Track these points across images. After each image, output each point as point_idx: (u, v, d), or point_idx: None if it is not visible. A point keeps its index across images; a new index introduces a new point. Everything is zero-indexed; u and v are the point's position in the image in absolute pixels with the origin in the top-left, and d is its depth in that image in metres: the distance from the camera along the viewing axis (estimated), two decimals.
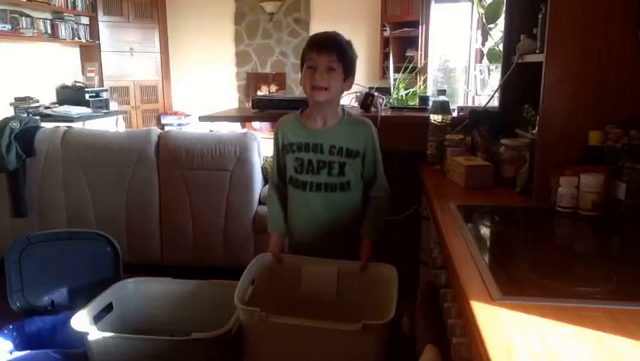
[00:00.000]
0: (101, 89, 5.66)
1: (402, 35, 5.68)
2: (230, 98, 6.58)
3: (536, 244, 1.23)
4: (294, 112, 1.71)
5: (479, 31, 4.20)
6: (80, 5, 5.61)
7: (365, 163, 1.64)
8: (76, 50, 5.90)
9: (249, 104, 5.93)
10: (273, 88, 6.50)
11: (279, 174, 1.75)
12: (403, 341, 1.82)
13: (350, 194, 1.64)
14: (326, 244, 1.65)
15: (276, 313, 1.41)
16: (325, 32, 1.65)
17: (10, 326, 1.85)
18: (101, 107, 5.40)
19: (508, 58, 1.82)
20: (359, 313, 1.55)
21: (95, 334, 1.53)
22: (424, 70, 5.11)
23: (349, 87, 1.65)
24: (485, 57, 3.69)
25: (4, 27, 4.52)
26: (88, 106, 5.21)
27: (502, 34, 2.14)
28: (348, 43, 1.62)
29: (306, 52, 1.63)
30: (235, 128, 4.98)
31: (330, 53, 1.57)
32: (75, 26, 5.60)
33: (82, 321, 1.58)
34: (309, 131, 1.63)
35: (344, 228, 1.65)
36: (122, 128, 5.58)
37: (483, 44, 3.90)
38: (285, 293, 1.64)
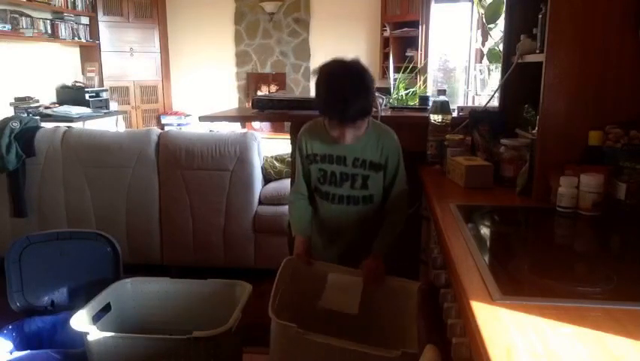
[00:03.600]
0: (101, 89, 5.65)
1: (402, 35, 5.68)
2: (230, 98, 6.57)
3: (536, 244, 1.23)
4: (319, 120, 1.60)
5: (479, 31, 4.20)
6: (80, 5, 5.60)
7: (386, 173, 1.61)
8: (76, 50, 5.90)
9: (248, 104, 5.93)
10: (273, 88, 6.50)
11: (304, 181, 1.68)
12: None
13: (373, 207, 1.63)
14: (348, 254, 1.64)
15: (295, 320, 1.37)
16: (340, 89, 1.44)
17: (10, 326, 1.85)
18: (101, 107, 5.40)
19: (508, 58, 1.82)
20: (379, 330, 1.53)
21: (94, 334, 1.53)
22: (424, 70, 5.11)
23: (375, 108, 1.62)
24: (485, 57, 3.69)
25: (4, 27, 4.51)
26: (88, 106, 5.21)
27: (502, 34, 2.14)
28: (367, 88, 1.46)
29: (323, 110, 1.49)
30: (235, 128, 4.99)
31: (354, 121, 1.47)
32: (75, 26, 5.59)
33: (81, 321, 1.58)
34: (333, 143, 1.56)
35: (366, 239, 1.61)
36: (122, 128, 5.58)
37: (483, 44, 3.90)
38: (304, 300, 1.60)
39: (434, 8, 5.18)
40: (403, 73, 4.87)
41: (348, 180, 1.60)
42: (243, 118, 3.01)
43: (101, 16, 5.91)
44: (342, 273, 1.60)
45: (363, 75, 1.47)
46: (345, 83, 1.44)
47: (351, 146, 1.55)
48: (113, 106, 5.69)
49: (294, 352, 1.37)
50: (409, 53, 5.53)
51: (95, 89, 5.58)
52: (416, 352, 1.24)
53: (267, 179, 2.87)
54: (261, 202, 2.77)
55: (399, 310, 1.53)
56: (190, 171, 2.74)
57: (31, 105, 4.75)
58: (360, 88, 1.45)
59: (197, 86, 6.66)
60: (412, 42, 5.54)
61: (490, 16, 3.31)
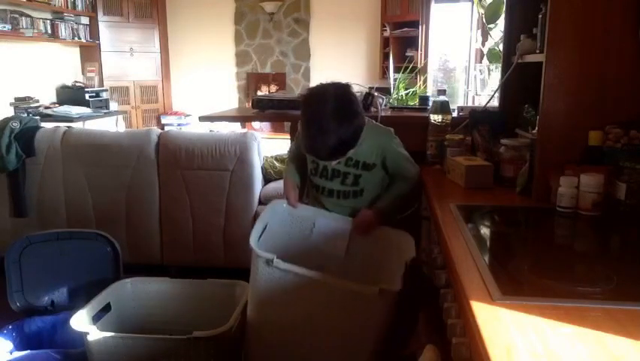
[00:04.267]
0: (101, 89, 5.65)
1: (402, 35, 5.68)
2: (230, 98, 6.57)
3: (536, 244, 1.23)
4: None
5: (479, 31, 4.20)
6: (80, 5, 5.60)
7: (388, 168, 1.66)
8: (76, 50, 5.90)
9: (249, 104, 5.93)
10: (273, 88, 6.49)
11: (297, 163, 1.77)
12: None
13: (363, 198, 1.66)
14: None
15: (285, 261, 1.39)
16: (318, 133, 1.41)
17: (10, 326, 1.85)
18: (101, 107, 5.40)
19: (508, 58, 1.82)
20: (367, 276, 1.54)
21: (94, 334, 1.53)
22: (424, 70, 5.11)
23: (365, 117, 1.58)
24: (485, 57, 3.69)
25: (4, 27, 4.51)
26: (88, 106, 5.20)
27: (502, 34, 2.14)
28: (348, 117, 1.42)
29: (304, 141, 1.49)
30: (235, 128, 4.99)
31: (334, 159, 1.54)
32: (75, 26, 5.59)
33: (81, 321, 1.58)
34: None
35: None
36: (122, 128, 5.57)
37: (483, 44, 3.90)
38: (293, 242, 1.63)
39: (434, 8, 5.18)
40: (403, 73, 4.87)
41: (339, 177, 1.63)
42: (243, 118, 3.01)
43: (101, 16, 5.91)
44: (332, 218, 1.63)
45: (343, 104, 1.42)
46: (322, 117, 1.40)
47: None
48: (113, 106, 5.69)
49: (271, 285, 1.36)
50: (409, 53, 5.52)
51: (95, 89, 5.58)
52: (394, 290, 1.28)
53: (267, 179, 2.87)
54: (261, 202, 2.77)
55: (388, 257, 1.54)
56: (190, 171, 2.74)
57: (31, 105, 4.75)
58: (340, 118, 1.40)
59: (197, 86, 6.66)
60: (412, 42, 5.54)
61: (490, 16, 3.31)
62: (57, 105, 5.09)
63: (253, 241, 1.41)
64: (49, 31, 5.18)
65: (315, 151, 1.47)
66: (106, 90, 5.70)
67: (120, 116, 5.64)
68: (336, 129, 1.40)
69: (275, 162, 2.88)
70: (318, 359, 1.40)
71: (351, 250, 1.61)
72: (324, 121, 1.40)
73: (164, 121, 6.47)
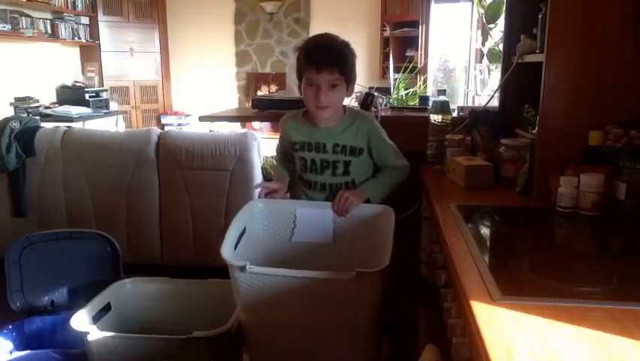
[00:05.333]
0: (101, 89, 5.66)
1: (402, 35, 5.68)
2: (230, 98, 6.58)
3: (536, 244, 1.23)
4: (297, 111, 1.70)
5: (479, 31, 4.20)
6: (79, 5, 5.61)
7: (374, 157, 1.64)
8: (76, 50, 5.90)
9: (248, 104, 5.93)
10: (273, 88, 6.50)
11: (284, 164, 1.79)
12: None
13: None
14: None
15: (268, 263, 1.38)
16: (320, 41, 1.54)
17: (10, 326, 1.85)
18: (101, 107, 5.40)
19: (508, 58, 1.82)
20: (358, 258, 1.52)
21: (94, 333, 1.53)
22: (424, 70, 5.11)
23: (351, 93, 1.63)
24: (485, 57, 3.69)
25: (4, 27, 4.51)
26: (88, 106, 5.21)
27: (502, 34, 2.14)
28: (346, 47, 1.53)
29: (302, 66, 1.52)
30: (235, 128, 4.98)
31: (331, 70, 1.48)
32: (75, 26, 5.59)
33: (81, 321, 1.58)
34: (312, 131, 1.62)
35: None
36: (122, 128, 5.58)
37: (483, 44, 3.91)
38: (277, 241, 1.61)
39: (434, 8, 5.18)
40: (403, 73, 4.87)
41: (329, 168, 1.62)
42: (243, 118, 3.01)
43: (101, 16, 5.91)
44: (310, 206, 1.60)
45: (345, 41, 1.56)
46: (325, 35, 1.55)
47: (328, 132, 1.59)
48: (113, 106, 5.70)
49: (256, 290, 1.33)
50: (409, 53, 5.53)
51: (95, 89, 5.58)
52: (373, 271, 1.24)
53: (267, 179, 2.86)
54: None
55: (375, 233, 1.52)
56: (190, 171, 2.74)
57: (31, 105, 4.75)
58: (339, 46, 1.53)
59: (197, 86, 6.66)
60: (412, 42, 5.55)
61: (490, 16, 3.31)
62: (57, 105, 5.10)
63: (226, 249, 1.37)
64: (49, 31, 5.19)
65: (317, 52, 1.52)
66: (106, 90, 5.71)
67: (120, 116, 5.65)
68: (340, 41, 1.54)
69: (275, 162, 2.88)
70: (318, 346, 1.39)
71: (338, 234, 1.58)
72: (329, 35, 1.55)
73: (164, 121, 6.47)
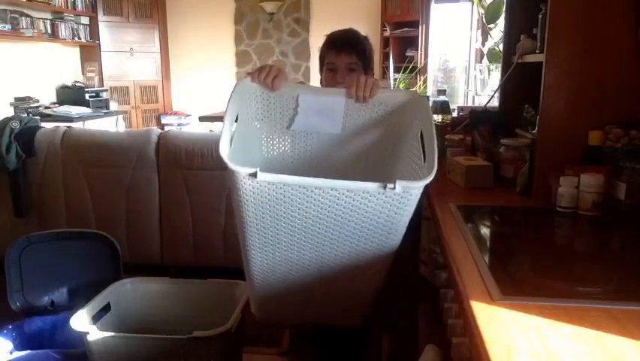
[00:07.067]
0: (101, 89, 5.66)
1: (402, 35, 5.68)
2: None
3: (536, 244, 1.23)
4: None
5: (479, 31, 4.20)
6: (80, 5, 5.60)
7: None
8: (76, 50, 5.90)
9: None
10: None
11: None
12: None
13: None
14: None
15: (267, 158, 1.20)
16: (341, 31, 1.64)
17: (10, 326, 1.85)
18: (101, 107, 5.40)
19: (508, 58, 1.82)
20: (372, 157, 1.29)
21: (94, 333, 1.53)
22: (424, 70, 5.11)
23: None
24: (485, 57, 3.69)
25: (4, 27, 4.51)
26: (88, 106, 5.21)
27: (502, 34, 2.14)
28: (366, 39, 1.63)
29: (324, 53, 1.62)
30: None
31: (349, 53, 1.56)
32: (75, 26, 5.59)
33: (81, 321, 1.58)
34: None
35: None
36: (122, 128, 5.58)
37: (483, 44, 3.91)
38: (273, 130, 1.34)
39: (434, 8, 5.18)
40: (403, 73, 4.87)
41: None
42: None
43: (101, 16, 5.91)
44: (317, 91, 1.33)
45: (365, 35, 1.65)
46: (347, 28, 1.65)
47: None
48: (113, 106, 5.69)
49: (261, 203, 1.04)
50: (409, 53, 5.53)
51: (95, 89, 5.58)
52: (418, 185, 1.00)
53: None
54: None
55: (398, 124, 1.25)
56: (190, 171, 2.74)
57: (31, 105, 4.75)
58: (360, 35, 1.63)
59: (197, 86, 6.66)
60: (412, 42, 5.55)
61: (490, 16, 3.31)
62: (57, 105, 5.10)
63: (224, 148, 1.05)
64: (49, 31, 5.18)
65: (337, 37, 1.61)
66: (106, 90, 5.70)
67: (120, 116, 5.65)
68: (360, 33, 1.64)
69: None
70: (331, 276, 1.17)
71: (348, 126, 1.31)
72: (350, 28, 1.66)
73: (164, 121, 6.47)
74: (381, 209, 1.02)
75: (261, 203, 1.04)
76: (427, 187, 1.03)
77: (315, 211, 1.03)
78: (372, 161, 1.34)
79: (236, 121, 1.21)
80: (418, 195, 1.03)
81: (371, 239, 1.09)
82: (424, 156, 1.11)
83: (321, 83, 1.68)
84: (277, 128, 1.35)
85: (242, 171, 0.99)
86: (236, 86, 1.26)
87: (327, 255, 1.12)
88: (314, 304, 1.31)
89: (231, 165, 1.00)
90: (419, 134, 1.16)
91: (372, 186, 0.98)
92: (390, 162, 1.30)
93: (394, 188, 0.98)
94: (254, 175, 0.98)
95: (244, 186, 1.01)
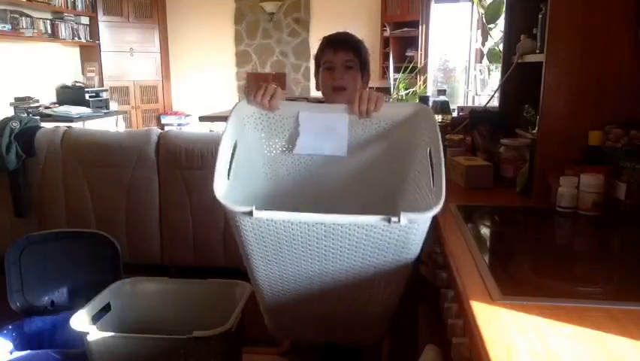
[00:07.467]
0: (101, 89, 5.65)
1: (402, 35, 5.68)
2: (230, 98, 6.58)
3: (536, 244, 1.23)
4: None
5: (479, 31, 4.20)
6: (80, 5, 5.60)
7: None
8: (76, 50, 5.90)
9: None
10: None
11: None
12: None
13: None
14: None
15: (270, 190, 1.13)
16: (337, 32, 1.68)
17: (10, 326, 1.85)
18: (101, 107, 5.40)
19: (508, 58, 1.82)
20: (382, 180, 1.24)
21: (94, 334, 1.53)
22: (424, 70, 5.11)
23: (366, 86, 1.68)
24: (485, 57, 3.69)
25: (4, 27, 4.51)
26: (88, 106, 5.21)
27: (502, 34, 2.14)
28: (361, 41, 1.67)
29: (320, 53, 1.65)
30: None
31: (347, 51, 1.59)
32: (75, 26, 5.59)
33: (81, 321, 1.58)
34: None
35: None
36: (122, 128, 5.58)
37: (483, 44, 3.91)
38: (275, 156, 1.31)
39: (434, 8, 5.18)
40: (403, 73, 4.87)
41: None
42: None
43: (101, 16, 5.91)
44: (318, 110, 1.26)
45: (360, 39, 1.68)
46: (340, 32, 1.68)
47: None
48: (113, 106, 5.69)
49: (262, 238, 1.01)
50: (409, 53, 5.53)
51: (95, 89, 5.58)
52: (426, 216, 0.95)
53: None
54: None
55: (405, 140, 1.20)
56: (190, 171, 2.74)
57: (31, 105, 4.75)
58: (356, 37, 1.66)
59: (197, 86, 6.66)
60: (412, 42, 5.55)
61: (490, 16, 3.31)
62: (57, 105, 5.10)
63: (220, 184, 1.05)
64: (49, 31, 5.18)
65: (334, 37, 1.64)
66: (106, 90, 5.70)
67: (120, 116, 5.65)
68: (356, 37, 1.67)
69: None
70: (343, 306, 1.15)
71: (354, 146, 1.25)
72: (345, 32, 1.69)
73: (164, 121, 6.47)
74: (389, 239, 0.98)
75: (262, 238, 1.01)
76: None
77: (318, 243, 0.99)
78: (378, 178, 1.30)
79: (234, 149, 1.17)
80: (427, 224, 1.00)
81: (381, 266, 1.05)
82: (432, 175, 1.07)
83: (317, 86, 1.70)
84: (280, 149, 1.31)
85: (237, 210, 0.96)
86: (233, 108, 1.23)
87: (337, 282, 1.09)
88: (328, 326, 1.29)
89: (226, 205, 0.97)
90: (427, 152, 1.13)
91: (374, 219, 0.94)
92: (397, 180, 1.26)
93: (399, 221, 0.93)
94: (249, 214, 0.95)
95: (242, 223, 0.99)
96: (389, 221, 0.94)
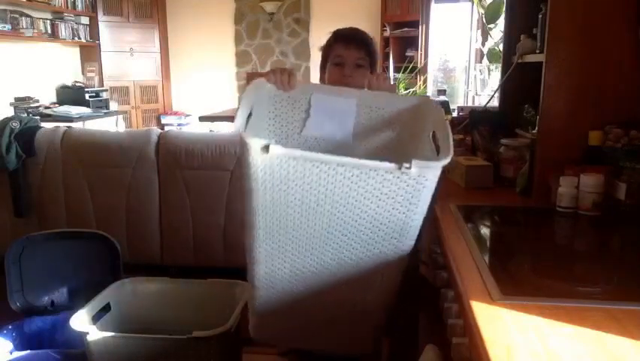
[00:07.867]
0: (101, 89, 5.65)
1: (402, 35, 5.68)
2: (230, 98, 6.57)
3: (536, 244, 1.23)
4: None
5: (479, 31, 4.20)
6: (79, 5, 5.60)
7: None
8: (76, 50, 5.90)
9: None
10: None
11: None
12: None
13: None
14: None
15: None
16: (349, 27, 1.59)
17: (10, 326, 1.85)
18: (101, 107, 5.40)
19: (508, 58, 1.82)
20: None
21: (94, 334, 1.53)
22: (424, 70, 5.11)
23: None
24: (485, 57, 3.69)
25: (4, 27, 4.51)
26: (88, 106, 5.20)
27: (502, 34, 2.14)
28: (372, 40, 1.60)
29: (330, 47, 1.56)
30: None
31: (359, 48, 1.52)
32: (75, 26, 5.59)
33: (81, 321, 1.58)
34: None
35: None
36: (122, 128, 5.58)
37: (483, 44, 3.91)
38: (285, 134, 1.34)
39: (434, 8, 5.18)
40: (403, 73, 4.87)
41: None
42: None
43: (101, 16, 5.91)
44: (330, 92, 1.32)
45: (371, 37, 1.61)
46: (352, 27, 1.59)
47: None
48: (113, 106, 5.69)
49: (272, 177, 0.99)
50: (409, 53, 5.53)
51: (95, 89, 5.58)
52: (442, 163, 0.97)
53: None
54: None
55: (405, 130, 1.25)
56: (190, 171, 2.74)
57: (31, 105, 4.75)
58: (368, 34, 1.58)
59: (197, 86, 6.66)
60: (412, 42, 5.55)
61: (490, 16, 3.32)
62: (57, 105, 5.09)
63: (239, 124, 1.05)
64: (49, 31, 5.18)
65: (346, 32, 1.55)
66: (106, 90, 5.70)
67: (120, 116, 5.65)
68: (365, 33, 1.59)
69: None
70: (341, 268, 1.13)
71: (359, 131, 1.30)
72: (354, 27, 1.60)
73: (164, 121, 6.47)
74: (395, 195, 0.99)
75: (272, 184, 0.99)
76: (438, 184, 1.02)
77: (328, 191, 0.99)
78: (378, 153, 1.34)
79: (249, 116, 1.18)
80: (434, 182, 1.01)
81: (382, 235, 1.07)
82: (437, 153, 1.10)
83: (321, 80, 1.63)
84: (287, 134, 1.35)
85: (254, 143, 0.95)
86: (251, 84, 1.28)
87: (337, 256, 1.10)
88: (320, 325, 1.27)
89: (244, 137, 0.97)
90: (431, 135, 1.16)
91: (389, 165, 0.96)
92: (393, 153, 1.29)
93: (410, 168, 0.95)
94: (266, 149, 0.94)
95: (255, 163, 0.97)
96: (400, 168, 0.96)
